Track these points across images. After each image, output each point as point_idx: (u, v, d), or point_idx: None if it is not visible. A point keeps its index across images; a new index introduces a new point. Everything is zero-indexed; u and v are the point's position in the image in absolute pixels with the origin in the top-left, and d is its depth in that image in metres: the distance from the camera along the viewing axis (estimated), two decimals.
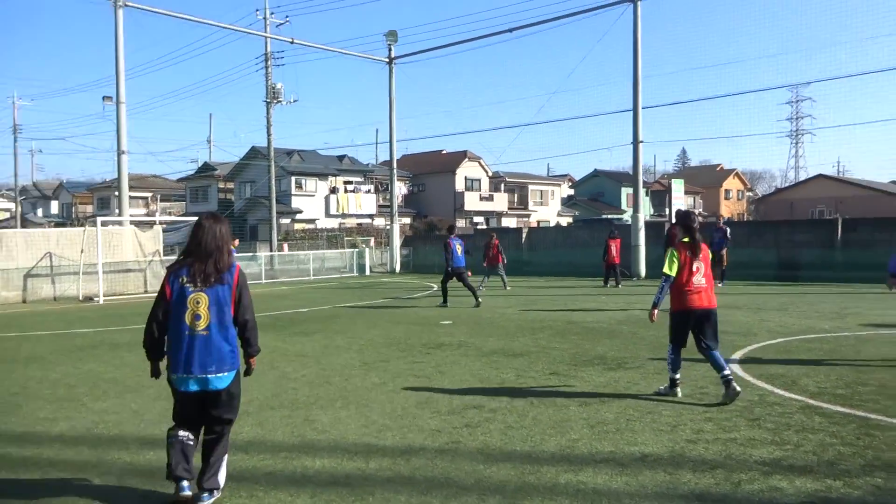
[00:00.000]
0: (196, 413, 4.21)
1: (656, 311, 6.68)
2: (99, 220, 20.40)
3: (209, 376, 4.06)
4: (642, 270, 22.14)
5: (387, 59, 31.82)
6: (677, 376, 6.54)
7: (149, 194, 60.76)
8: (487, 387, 7.19)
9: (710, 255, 6.77)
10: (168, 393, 7.36)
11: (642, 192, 23.71)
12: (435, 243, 32.17)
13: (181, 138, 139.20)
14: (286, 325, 12.79)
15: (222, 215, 4.62)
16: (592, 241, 25.00)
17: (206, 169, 55.80)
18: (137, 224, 24.00)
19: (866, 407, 5.90)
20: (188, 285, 4.08)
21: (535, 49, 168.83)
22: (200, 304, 4.05)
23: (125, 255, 21.46)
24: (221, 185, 54.25)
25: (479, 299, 15.43)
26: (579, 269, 24.03)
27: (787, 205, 60.50)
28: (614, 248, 19.67)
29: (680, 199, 26.37)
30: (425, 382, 7.49)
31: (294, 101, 38.04)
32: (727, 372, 6.21)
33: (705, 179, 75.54)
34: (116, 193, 24.86)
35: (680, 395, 6.51)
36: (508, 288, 19.83)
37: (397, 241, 31.07)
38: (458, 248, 15.55)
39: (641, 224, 22.69)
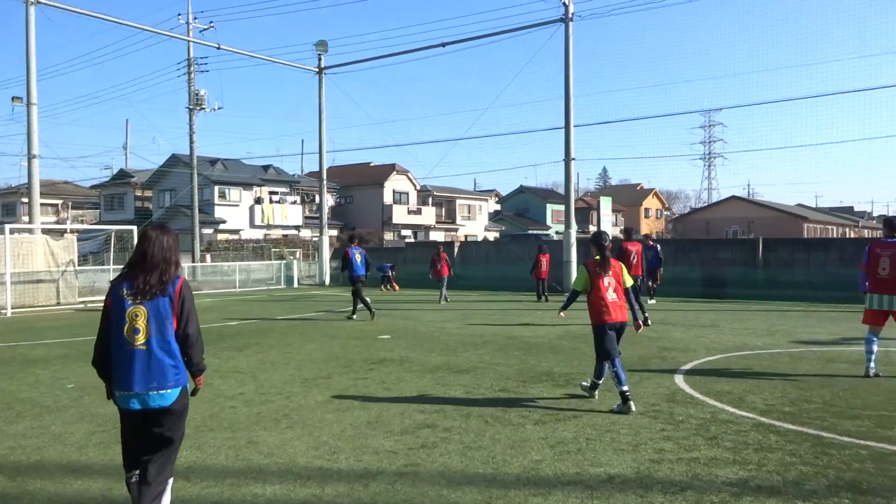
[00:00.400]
0: (142, 434, 3.90)
1: (563, 313, 7.52)
2: (7, 227, 19.12)
3: (151, 393, 3.78)
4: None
5: (316, 70, 31.35)
6: (626, 389, 6.60)
7: (59, 201, 57.83)
8: (437, 405, 6.95)
9: (626, 272, 7.13)
10: (91, 414, 6.88)
11: (573, 208, 24.00)
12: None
13: (95, 144, 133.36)
14: (215, 340, 12.20)
15: (167, 227, 4.25)
16: (525, 256, 25.15)
17: (122, 176, 53.54)
18: (48, 232, 22.71)
19: (815, 425, 5.97)
20: (128, 298, 3.83)
21: (466, 65, 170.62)
22: (139, 318, 3.79)
23: (36, 265, 20.19)
24: (139, 193, 52.17)
25: (372, 311, 15.17)
26: (512, 284, 24.10)
27: (703, 224, 62.83)
28: (545, 262, 19.94)
29: (608, 216, 26.90)
30: (371, 400, 7.20)
31: (219, 108, 36.91)
32: (627, 389, 6.58)
33: (626, 198, 77.68)
34: (24, 200, 23.47)
35: (634, 409, 6.54)
36: (443, 303, 19.64)
37: (327, 253, 30.52)
38: (358, 258, 15.35)
39: (573, 240, 22.98)
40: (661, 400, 6.99)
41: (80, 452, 5.55)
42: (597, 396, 7.09)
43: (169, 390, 3.82)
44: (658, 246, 18.29)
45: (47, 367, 9.59)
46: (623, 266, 7.14)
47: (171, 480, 4.01)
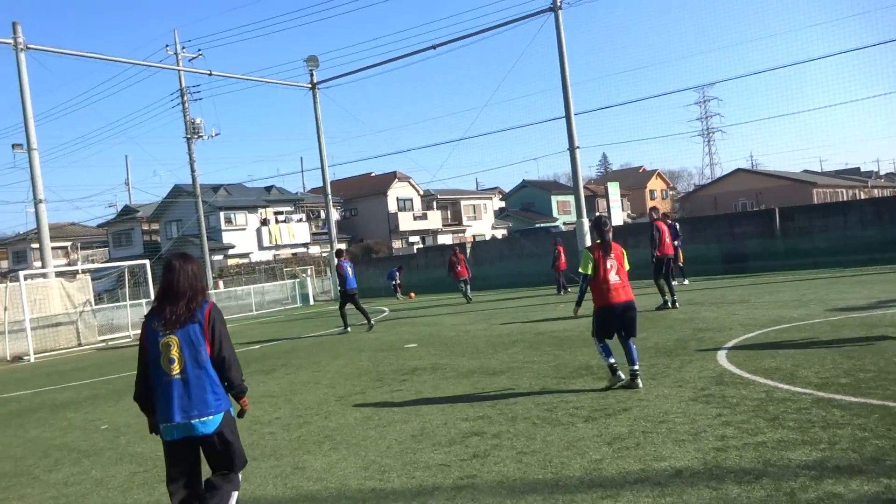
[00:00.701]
0: (188, 467, 3.88)
1: (579, 308, 7.46)
2: (22, 274, 19.06)
3: (192, 422, 3.77)
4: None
5: (309, 85, 31.23)
6: (612, 360, 6.98)
7: (68, 243, 58.03)
8: (479, 410, 6.76)
9: (626, 255, 7.31)
10: (130, 454, 6.72)
11: (583, 197, 23.76)
12: (377, 266, 31.69)
13: (97, 183, 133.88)
14: (242, 364, 12.03)
15: (190, 255, 4.21)
16: (538, 250, 24.94)
17: (127, 212, 53.65)
18: (61, 275, 22.65)
19: (878, 394, 5.74)
20: (159, 329, 3.86)
21: (459, 66, 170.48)
22: (172, 348, 3.81)
23: (53, 309, 20.15)
24: (145, 227, 52.25)
25: (373, 322, 15.60)
26: (528, 279, 23.90)
27: (710, 200, 62.42)
28: (563, 253, 19.80)
29: (616, 202, 26.60)
30: (412, 412, 7.01)
31: (216, 134, 36.91)
32: (637, 368, 6.92)
33: (629, 181, 77.29)
34: (34, 245, 23.42)
35: (623, 377, 6.96)
36: (469, 302, 19.87)
37: None
38: (350, 271, 15.54)
39: (586, 229, 22.73)
40: (709, 383, 6.77)
41: (124, 496, 5.39)
42: (623, 376, 6.99)
43: (211, 416, 3.80)
44: (677, 224, 17.97)
45: (78, 410, 9.46)
46: (623, 250, 7.31)
47: (233, 499, 3.96)
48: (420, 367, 9.77)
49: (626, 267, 7.18)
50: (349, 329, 15.66)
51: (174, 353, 3.79)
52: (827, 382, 6.31)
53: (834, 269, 17.76)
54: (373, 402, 7.71)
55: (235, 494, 3.98)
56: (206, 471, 4.01)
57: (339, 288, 16.14)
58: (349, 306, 15.57)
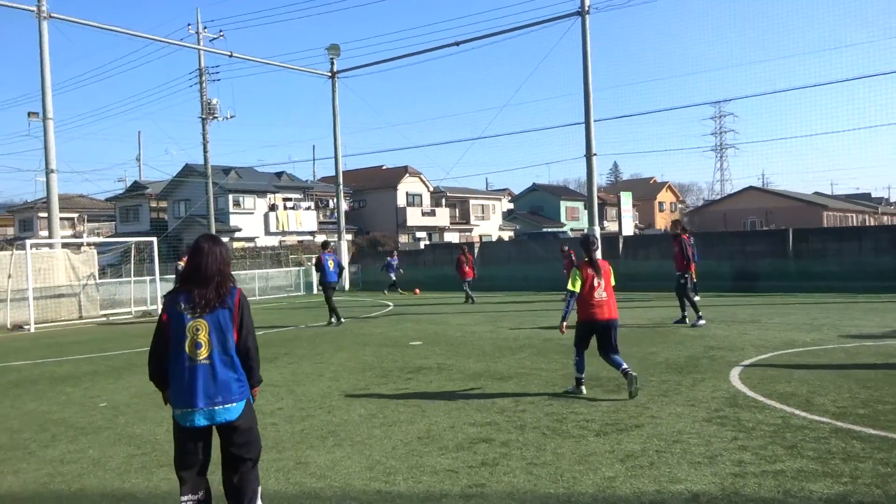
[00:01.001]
0: (201, 454, 3.79)
1: (565, 323, 7.45)
2: (28, 242, 18.95)
3: (216, 408, 3.70)
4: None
5: (329, 74, 31.13)
6: (581, 376, 7.38)
7: (75, 215, 57.94)
8: (487, 416, 6.62)
9: (613, 273, 7.53)
10: (129, 435, 6.60)
11: (596, 205, 23.60)
12: (383, 260, 31.48)
13: (108, 157, 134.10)
14: None
15: (218, 238, 4.17)
16: (547, 255, 24.78)
17: (136, 188, 53.54)
18: (67, 246, 22.57)
19: None
20: (186, 312, 3.75)
21: (476, 65, 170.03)
22: (200, 332, 3.73)
23: (57, 280, 20.05)
24: (153, 205, 52.16)
25: (342, 320, 15.64)
26: (535, 283, 23.74)
27: (720, 216, 62.17)
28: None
29: (628, 212, 26.45)
30: (418, 413, 6.88)
31: (231, 116, 36.78)
32: (625, 366, 7.10)
33: (639, 192, 77.01)
34: (41, 214, 23.36)
35: (584, 392, 7.33)
36: (470, 303, 19.63)
37: (346, 257, 30.24)
38: (331, 264, 15.50)
39: (598, 237, 22.58)
40: (723, 404, 6.63)
41: (121, 479, 5.27)
42: (584, 391, 7.36)
43: (234, 404, 3.75)
44: (692, 238, 17.62)
45: (77, 385, 9.35)
46: (610, 267, 7.52)
47: (259, 493, 3.92)
48: (425, 366, 9.63)
49: (612, 283, 7.42)
50: (343, 321, 15.63)
51: (202, 337, 3.71)
52: (845, 412, 6.16)
53: (846, 293, 17.56)
54: (377, 400, 7.58)
55: (259, 490, 3.94)
56: (213, 468, 3.89)
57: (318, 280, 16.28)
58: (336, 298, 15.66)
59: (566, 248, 19.93)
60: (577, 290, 7.23)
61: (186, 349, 3.70)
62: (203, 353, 3.70)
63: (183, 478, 3.77)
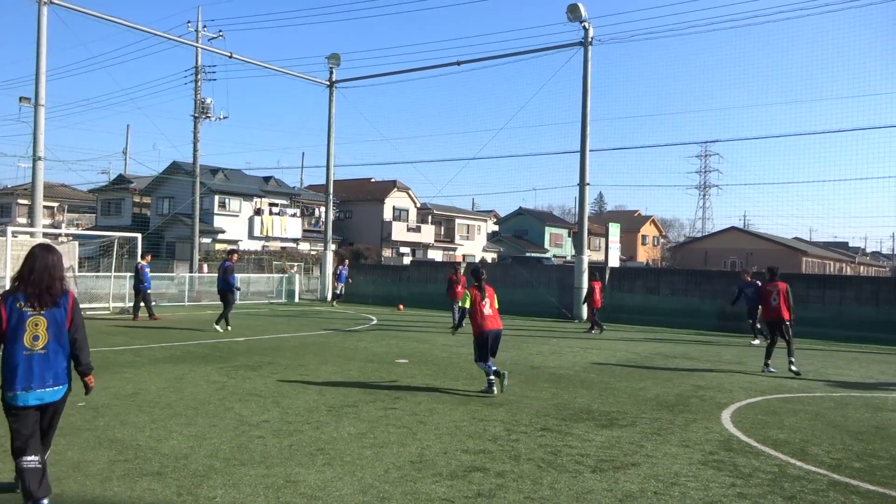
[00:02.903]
0: (37, 430, 4.45)
1: (456, 331, 10.68)
2: (9, 229, 18.57)
3: (47, 390, 4.41)
4: (584, 313, 21.85)
5: (328, 83, 31.06)
6: (493, 378, 9.02)
7: (55, 204, 57.16)
8: (480, 443, 6.51)
9: (496, 296, 9.46)
10: (110, 439, 6.35)
11: (586, 233, 23.65)
12: (368, 273, 31.30)
13: (94, 148, 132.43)
14: (226, 357, 11.73)
15: (54, 246, 4.89)
16: (532, 280, 24.76)
17: (120, 181, 52.94)
18: (48, 236, 22.17)
19: (894, 485, 5.56)
20: (26, 309, 4.40)
21: (471, 88, 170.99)
22: (39, 326, 4.41)
23: None
24: (137, 199, 51.59)
25: (229, 328, 16.02)
26: (520, 308, 23.63)
27: (701, 253, 62.66)
28: (597, 290, 18.58)
29: (615, 244, 26.45)
30: (408, 435, 6.75)
31: (224, 117, 36.53)
32: (495, 368, 9.04)
33: (623, 224, 76.98)
34: (20, 201, 22.90)
35: (496, 392, 8.95)
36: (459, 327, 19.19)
37: (330, 268, 29.96)
38: (230, 273, 16.34)
39: (585, 266, 22.61)
40: (717, 447, 6.57)
41: (102, 486, 5.08)
42: (495, 390, 9.00)
43: (61, 387, 4.50)
44: (757, 282, 17.02)
45: None
46: (494, 291, 9.45)
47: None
48: (413, 385, 9.50)
49: (496, 305, 9.29)
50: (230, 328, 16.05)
51: (41, 331, 4.41)
52: (840, 464, 6.12)
53: (826, 341, 17.66)
54: (366, 418, 7.43)
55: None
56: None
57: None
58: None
59: (595, 276, 19.36)
60: (468, 306, 9.12)
61: (25, 341, 4.35)
62: (40, 344, 4.40)
63: (19, 446, 4.32)
